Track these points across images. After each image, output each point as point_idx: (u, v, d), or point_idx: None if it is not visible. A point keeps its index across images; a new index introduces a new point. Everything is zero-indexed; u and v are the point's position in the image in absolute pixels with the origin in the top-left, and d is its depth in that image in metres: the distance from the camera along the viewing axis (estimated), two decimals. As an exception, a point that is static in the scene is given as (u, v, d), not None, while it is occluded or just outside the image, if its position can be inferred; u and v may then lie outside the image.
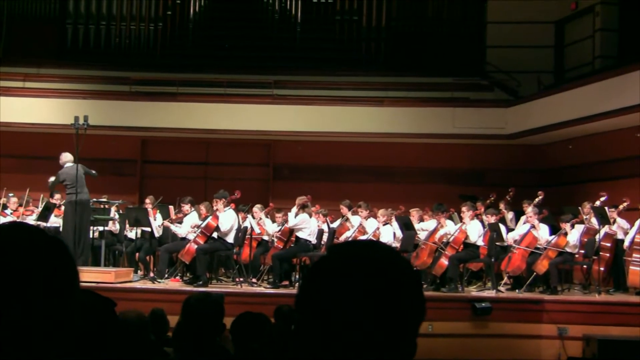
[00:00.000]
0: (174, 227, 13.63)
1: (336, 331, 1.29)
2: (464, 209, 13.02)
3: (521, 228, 13.33)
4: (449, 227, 13.22)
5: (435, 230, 13.28)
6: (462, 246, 12.88)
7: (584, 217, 13.27)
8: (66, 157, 13.15)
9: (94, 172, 13.29)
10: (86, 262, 12.83)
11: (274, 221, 14.57)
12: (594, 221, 13.00)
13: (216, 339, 4.08)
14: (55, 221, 14.05)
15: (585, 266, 13.19)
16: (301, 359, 1.35)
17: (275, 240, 13.84)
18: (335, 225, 14.34)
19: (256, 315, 4.68)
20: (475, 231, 12.81)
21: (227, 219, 12.79)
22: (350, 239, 12.78)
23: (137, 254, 14.10)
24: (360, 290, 1.30)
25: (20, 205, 14.27)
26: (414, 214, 14.35)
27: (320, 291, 1.33)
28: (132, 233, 14.34)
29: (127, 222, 14.23)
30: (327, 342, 1.30)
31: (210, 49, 19.65)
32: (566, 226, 12.75)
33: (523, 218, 13.50)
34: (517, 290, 12.79)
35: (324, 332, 1.30)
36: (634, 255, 12.61)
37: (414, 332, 1.34)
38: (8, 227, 1.40)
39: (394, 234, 13.60)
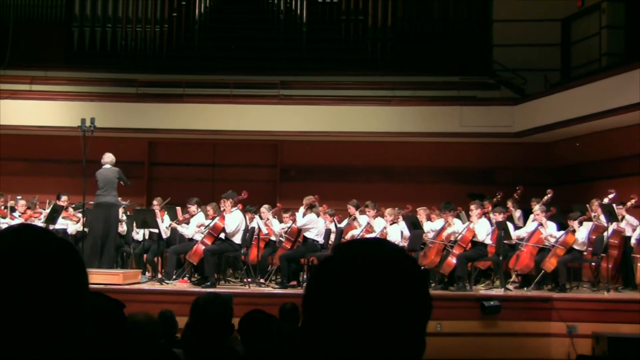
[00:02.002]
0: (181, 228, 13.65)
1: (344, 330, 1.29)
2: (472, 207, 12.99)
3: (529, 226, 13.31)
4: (457, 226, 13.19)
5: (443, 229, 13.27)
6: (470, 245, 12.86)
7: (592, 214, 13.24)
8: (104, 158, 13.33)
9: (129, 182, 13.46)
10: (110, 266, 12.91)
11: (281, 222, 14.57)
12: (603, 219, 12.96)
13: (225, 339, 4.08)
14: (63, 223, 14.08)
15: (593, 264, 13.16)
16: (308, 358, 1.34)
17: (283, 240, 13.84)
18: (342, 225, 14.34)
19: (264, 313, 4.67)
20: (483, 230, 12.79)
21: (233, 220, 12.78)
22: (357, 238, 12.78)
23: (145, 256, 14.12)
24: (367, 289, 1.30)
25: (29, 208, 14.30)
26: (422, 213, 14.33)
27: (327, 290, 1.33)
28: (139, 235, 14.35)
29: (134, 223, 14.26)
30: (334, 341, 1.30)
31: (216, 50, 19.65)
32: (574, 224, 12.72)
33: (532, 216, 13.47)
34: (525, 289, 12.77)
35: (331, 331, 1.30)
36: (643, 252, 12.60)
37: (421, 330, 1.34)
38: (17, 229, 1.40)
39: (402, 233, 13.59)
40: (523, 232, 13.08)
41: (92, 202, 13.44)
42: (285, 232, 13.89)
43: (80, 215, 13.93)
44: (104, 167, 13.29)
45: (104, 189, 13.05)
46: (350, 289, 1.30)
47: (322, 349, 1.31)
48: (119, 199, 13.72)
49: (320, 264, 1.39)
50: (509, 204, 14.47)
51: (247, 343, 4.54)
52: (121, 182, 13.42)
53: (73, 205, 14.40)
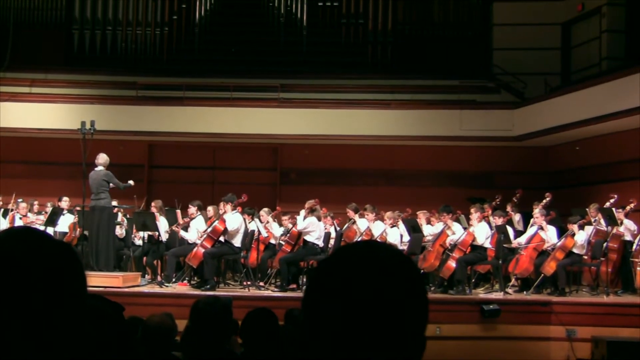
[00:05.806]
0: (183, 233, 13.62)
1: (342, 332, 1.29)
2: (472, 210, 12.99)
3: (530, 230, 13.30)
4: (456, 230, 13.18)
5: (442, 233, 13.25)
6: (469, 248, 12.85)
7: (592, 218, 13.23)
8: (97, 159, 13.10)
9: (121, 184, 13.16)
10: (106, 268, 12.69)
11: (281, 225, 14.56)
12: (603, 223, 12.95)
13: (224, 342, 4.08)
14: (64, 226, 14.08)
15: (593, 267, 13.15)
16: (309, 358, 1.34)
17: (283, 243, 13.83)
18: (342, 228, 14.33)
19: (269, 312, 4.64)
20: (482, 233, 12.77)
21: (234, 220, 12.79)
22: (356, 241, 12.77)
23: (144, 259, 14.10)
24: (365, 291, 1.30)
25: (29, 210, 14.29)
26: (421, 217, 14.33)
27: (326, 292, 1.33)
28: (138, 237, 14.32)
29: (134, 226, 14.22)
30: (333, 342, 1.30)
31: (216, 53, 19.67)
32: (573, 227, 12.72)
33: (532, 220, 13.45)
34: (525, 292, 12.76)
35: (330, 332, 1.30)
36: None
37: (420, 331, 1.34)
38: (17, 231, 1.40)
39: (401, 236, 13.58)
40: (524, 239, 13.06)
41: (88, 205, 13.35)
42: (285, 237, 13.88)
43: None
44: (95, 169, 13.12)
45: (94, 192, 12.88)
46: (349, 290, 1.30)
47: (322, 350, 1.31)
48: (115, 202, 13.63)
49: (319, 266, 1.39)
50: (509, 207, 14.46)
51: (249, 341, 4.51)
52: (118, 186, 13.17)
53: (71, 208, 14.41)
